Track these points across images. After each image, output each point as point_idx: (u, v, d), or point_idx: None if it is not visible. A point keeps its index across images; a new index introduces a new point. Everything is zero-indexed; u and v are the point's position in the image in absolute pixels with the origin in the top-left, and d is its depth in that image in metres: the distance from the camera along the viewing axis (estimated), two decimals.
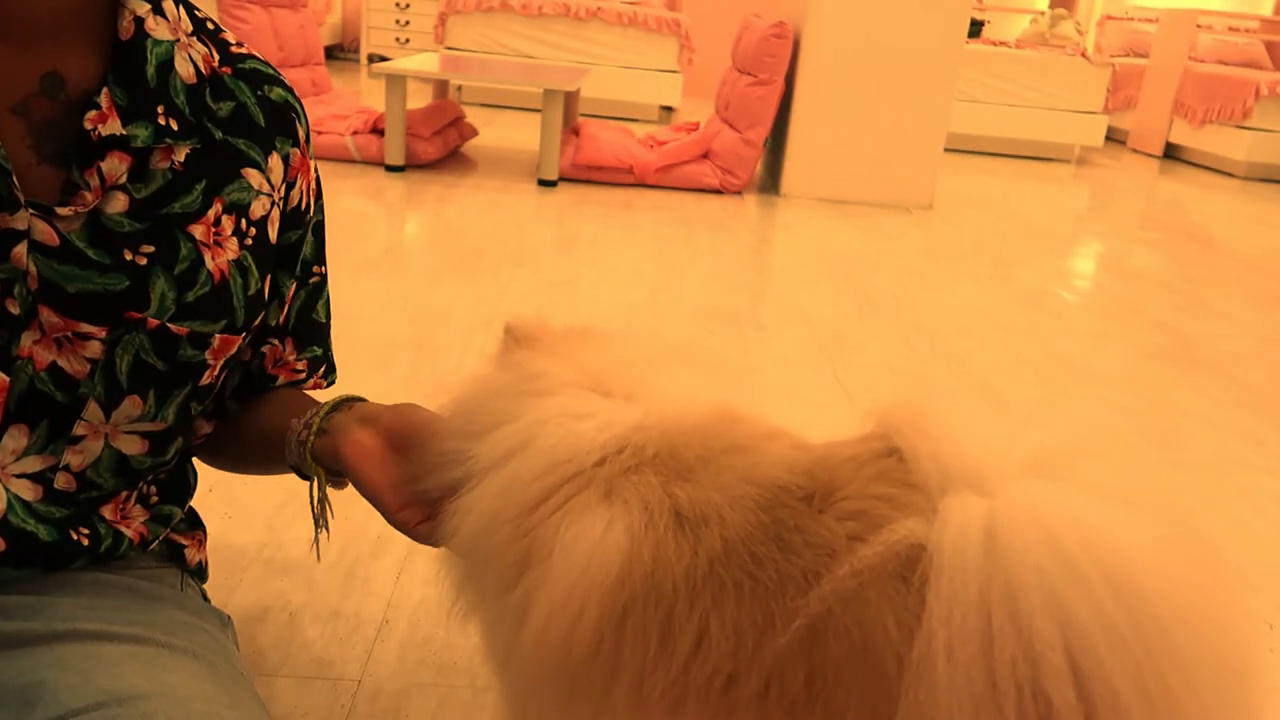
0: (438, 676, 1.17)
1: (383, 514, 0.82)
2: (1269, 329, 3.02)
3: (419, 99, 4.48)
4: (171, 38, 0.78)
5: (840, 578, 0.61)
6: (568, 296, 2.66)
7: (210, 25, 0.84)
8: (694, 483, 0.68)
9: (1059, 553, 0.55)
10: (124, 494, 0.82)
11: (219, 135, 0.80)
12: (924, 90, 4.22)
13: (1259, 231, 4.68)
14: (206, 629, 0.85)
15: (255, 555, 1.37)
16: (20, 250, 0.70)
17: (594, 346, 0.78)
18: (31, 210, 0.71)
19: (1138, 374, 2.51)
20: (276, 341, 0.95)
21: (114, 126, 0.73)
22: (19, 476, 0.75)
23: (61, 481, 0.77)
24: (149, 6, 0.76)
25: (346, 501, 1.52)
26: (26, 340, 0.73)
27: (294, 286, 0.94)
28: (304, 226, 0.92)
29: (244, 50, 0.86)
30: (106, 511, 0.81)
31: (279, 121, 0.86)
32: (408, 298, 2.50)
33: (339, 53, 8.12)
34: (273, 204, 0.86)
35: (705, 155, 4.26)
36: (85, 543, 0.78)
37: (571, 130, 4.49)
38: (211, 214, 0.79)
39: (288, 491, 1.52)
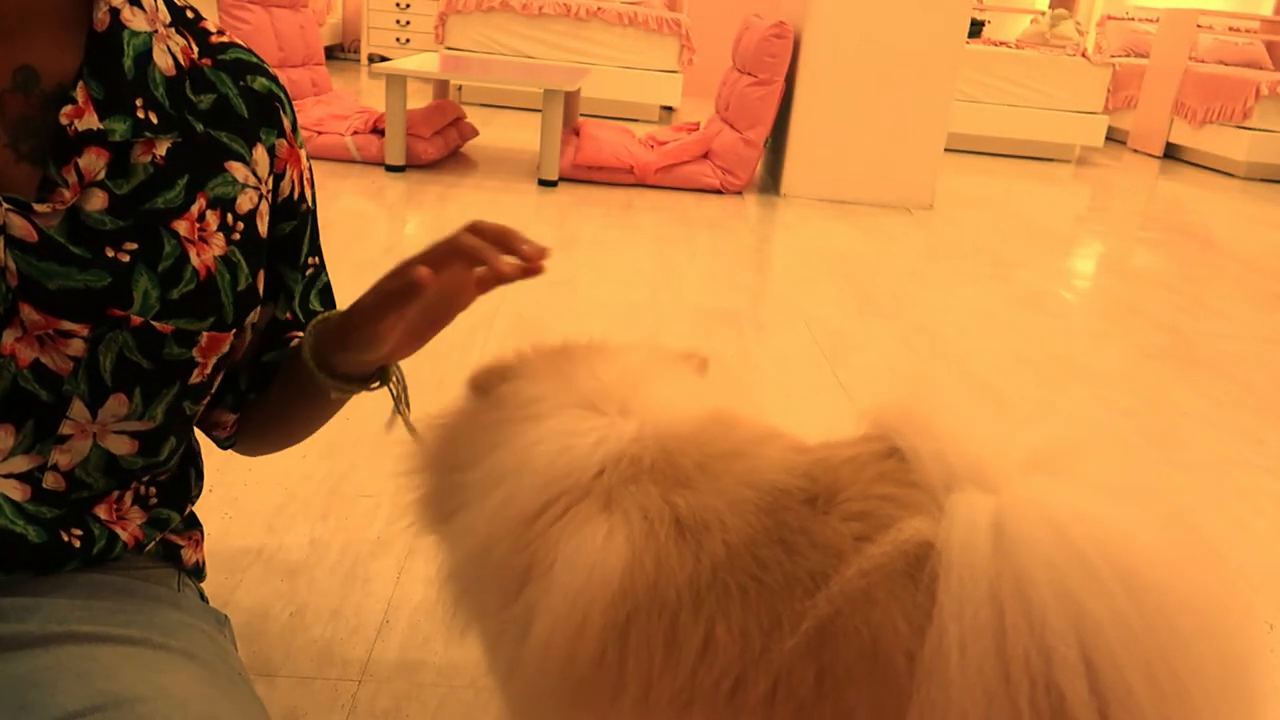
0: (438, 677, 1.17)
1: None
2: (1269, 329, 3.02)
3: (419, 99, 4.48)
4: (149, 29, 0.76)
5: (848, 578, 0.62)
6: (568, 296, 2.66)
7: (189, 14, 0.82)
8: (693, 490, 0.68)
9: (1069, 547, 0.55)
10: (117, 494, 0.81)
11: (200, 128, 0.79)
12: (924, 90, 4.22)
13: (1259, 231, 4.68)
14: (204, 629, 0.84)
15: (255, 556, 1.37)
16: None
17: (580, 364, 0.77)
18: (8, 206, 0.69)
19: (1138, 374, 2.51)
20: (300, 334, 0.94)
21: (91, 121, 0.72)
22: (6, 476, 0.74)
23: (50, 481, 0.76)
24: None
25: (347, 501, 1.52)
26: (8, 338, 0.72)
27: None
28: (298, 218, 0.90)
29: (225, 40, 0.84)
30: (101, 511, 0.80)
31: (263, 112, 0.84)
32: None
33: (339, 53, 8.12)
34: (260, 197, 0.84)
35: (705, 155, 4.26)
36: (77, 544, 0.78)
37: (572, 130, 4.49)
38: (195, 209, 0.78)
39: (288, 492, 1.53)
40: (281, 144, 0.86)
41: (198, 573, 0.96)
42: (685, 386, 0.77)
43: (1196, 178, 6.14)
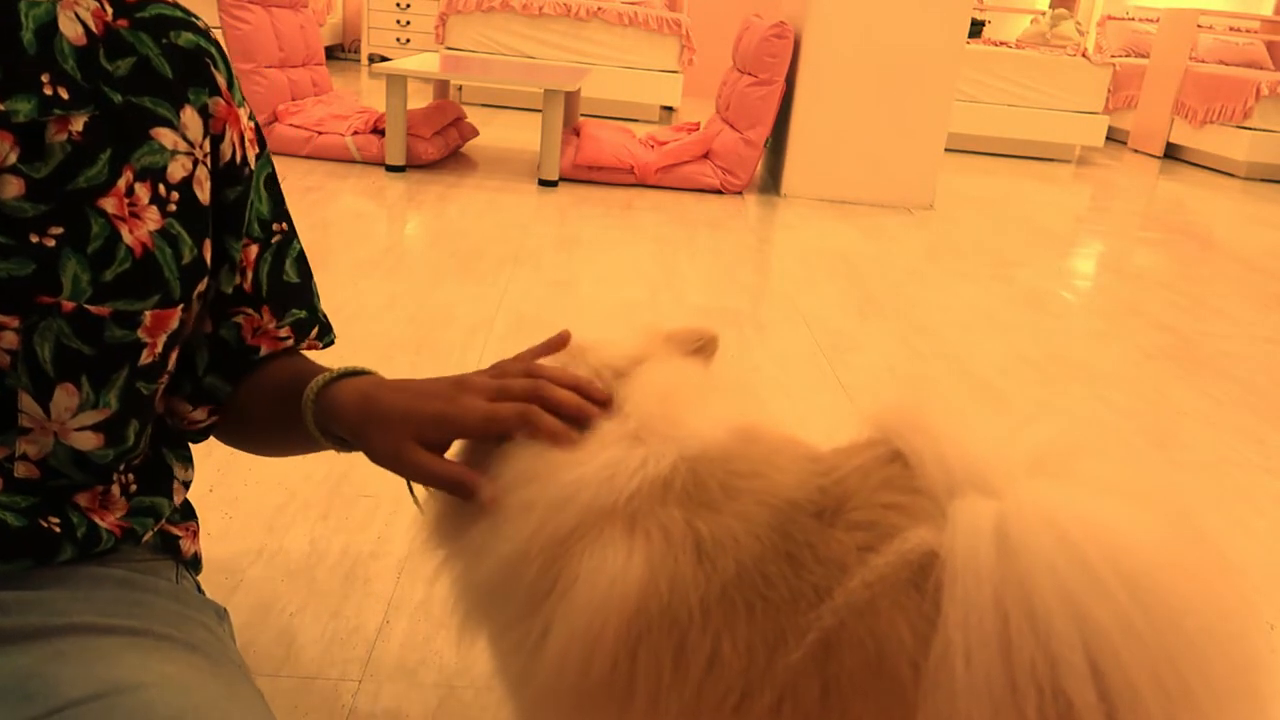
0: (438, 677, 1.17)
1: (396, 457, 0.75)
2: (1270, 329, 3.02)
3: (419, 99, 4.48)
4: None
5: (852, 589, 0.62)
6: (568, 296, 2.66)
7: None
8: (715, 511, 0.68)
9: (1073, 552, 0.55)
10: (100, 489, 0.80)
11: (119, 99, 0.73)
12: (925, 90, 4.21)
13: (1260, 231, 4.68)
14: (203, 621, 0.84)
15: (256, 555, 1.37)
16: None
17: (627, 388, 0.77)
18: None
19: (1138, 374, 2.51)
20: (250, 310, 0.89)
21: None
22: None
23: (22, 470, 0.74)
24: None
25: (347, 501, 1.52)
26: None
27: (255, 249, 0.87)
28: (243, 182, 0.84)
29: None
30: (82, 500, 0.79)
31: (190, 70, 0.78)
32: (408, 298, 2.50)
33: (340, 53, 8.12)
34: (195, 163, 0.78)
35: (706, 155, 4.26)
36: (57, 530, 0.76)
37: (572, 130, 4.49)
38: (122, 184, 0.73)
39: (288, 492, 1.53)
40: (216, 103, 0.80)
41: (195, 564, 0.95)
42: (715, 405, 0.77)
43: (1197, 178, 6.14)
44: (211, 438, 0.97)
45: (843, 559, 0.63)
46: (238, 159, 0.83)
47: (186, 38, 0.79)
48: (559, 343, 0.83)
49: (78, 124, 0.71)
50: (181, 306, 0.79)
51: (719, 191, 4.23)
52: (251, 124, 0.86)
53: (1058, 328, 2.84)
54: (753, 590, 0.65)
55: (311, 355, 0.98)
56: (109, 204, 0.73)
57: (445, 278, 2.71)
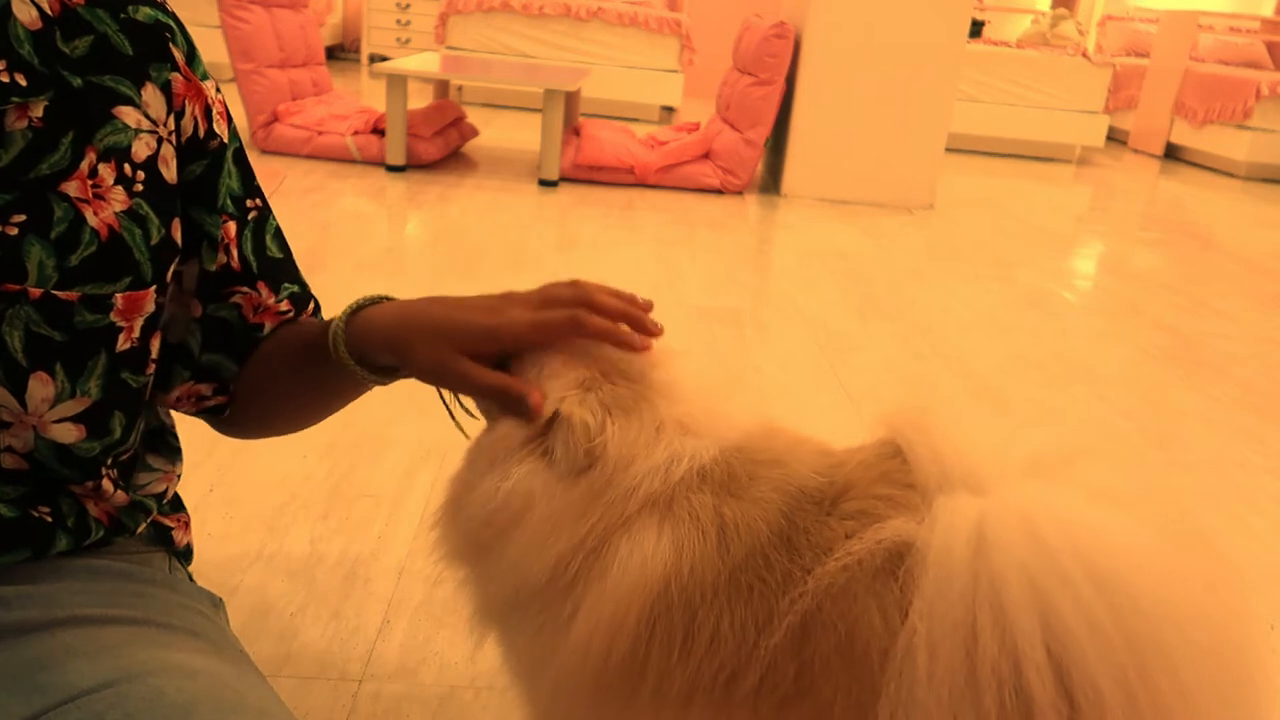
0: (439, 677, 1.17)
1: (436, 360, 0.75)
2: (1270, 329, 3.02)
3: (420, 99, 4.48)
4: None
5: (827, 572, 0.63)
6: None
7: None
8: (739, 498, 0.70)
9: (1043, 551, 0.56)
10: (91, 484, 0.79)
11: (78, 82, 0.72)
12: (925, 90, 4.22)
13: (1260, 232, 4.68)
14: (201, 610, 0.84)
15: (256, 556, 1.37)
16: None
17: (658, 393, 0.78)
18: None
19: (1139, 374, 2.50)
20: (247, 289, 0.88)
21: None
22: None
23: (9, 462, 0.74)
24: None
25: (347, 501, 1.52)
26: None
27: (235, 226, 0.86)
28: (208, 155, 0.82)
29: None
30: (76, 490, 0.78)
31: (150, 47, 0.76)
32: (409, 298, 2.49)
33: (340, 53, 8.12)
34: (160, 141, 0.77)
35: (706, 155, 4.26)
36: (48, 519, 0.75)
37: (572, 130, 4.49)
38: (85, 166, 0.72)
39: (288, 492, 1.53)
40: (176, 79, 0.78)
41: (187, 555, 0.95)
42: (741, 400, 0.80)
43: (1197, 178, 6.14)
44: (222, 435, 0.96)
45: (831, 545, 0.65)
46: (200, 132, 0.81)
47: (145, 12, 0.77)
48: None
49: (37, 110, 0.70)
50: (155, 288, 0.77)
51: (719, 191, 4.23)
52: (219, 96, 0.84)
53: (1058, 328, 2.84)
54: (754, 572, 0.67)
55: None
56: (71, 188, 0.71)
57: (446, 278, 2.71)
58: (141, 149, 0.76)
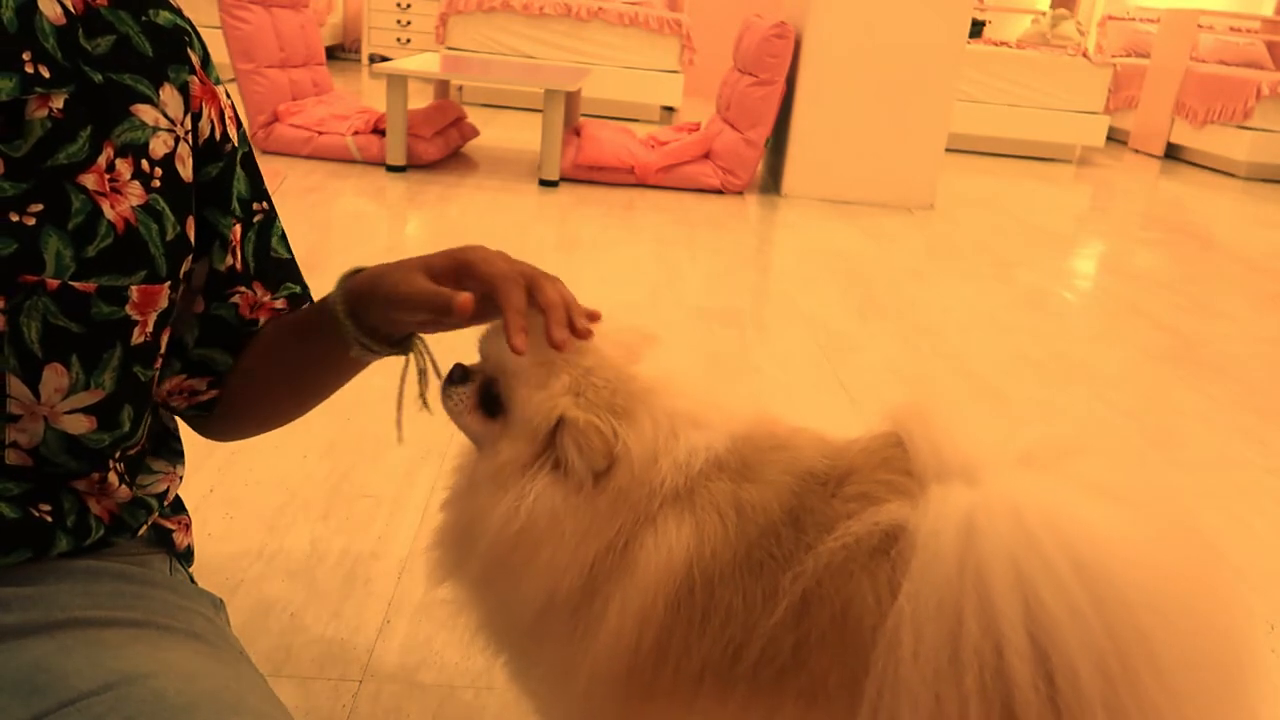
0: (439, 677, 1.17)
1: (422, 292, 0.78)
2: (1270, 329, 3.02)
3: (420, 99, 4.48)
4: None
5: (825, 550, 0.66)
6: None
7: None
8: (753, 481, 0.73)
9: (1029, 538, 0.57)
10: (97, 476, 0.79)
11: (99, 78, 0.74)
12: (925, 90, 4.21)
13: (1260, 232, 4.68)
14: (201, 611, 0.84)
15: (256, 556, 1.37)
16: None
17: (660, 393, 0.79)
18: None
19: (1139, 374, 2.51)
20: (245, 289, 0.89)
21: None
22: None
23: (14, 458, 0.74)
24: None
25: (347, 501, 1.52)
26: None
27: (240, 228, 0.88)
28: (224, 159, 0.85)
29: None
30: (80, 485, 0.78)
31: (169, 49, 0.79)
32: None
33: (340, 53, 8.12)
34: (177, 140, 0.79)
35: (706, 155, 4.26)
36: (49, 519, 0.76)
37: (573, 130, 4.49)
38: (103, 160, 0.73)
39: (288, 492, 1.53)
40: (194, 81, 0.80)
41: (188, 557, 0.95)
42: (734, 393, 0.83)
43: (1197, 178, 6.13)
44: (214, 441, 0.97)
45: (833, 524, 0.68)
46: (217, 135, 0.83)
47: (165, 16, 0.79)
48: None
49: (58, 102, 0.71)
50: (169, 285, 0.79)
51: (720, 191, 4.23)
52: (228, 101, 0.86)
53: (1058, 328, 2.84)
54: (766, 549, 0.69)
55: None
56: (89, 180, 0.73)
57: None
58: (159, 146, 0.77)
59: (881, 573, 0.63)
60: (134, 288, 0.75)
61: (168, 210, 0.78)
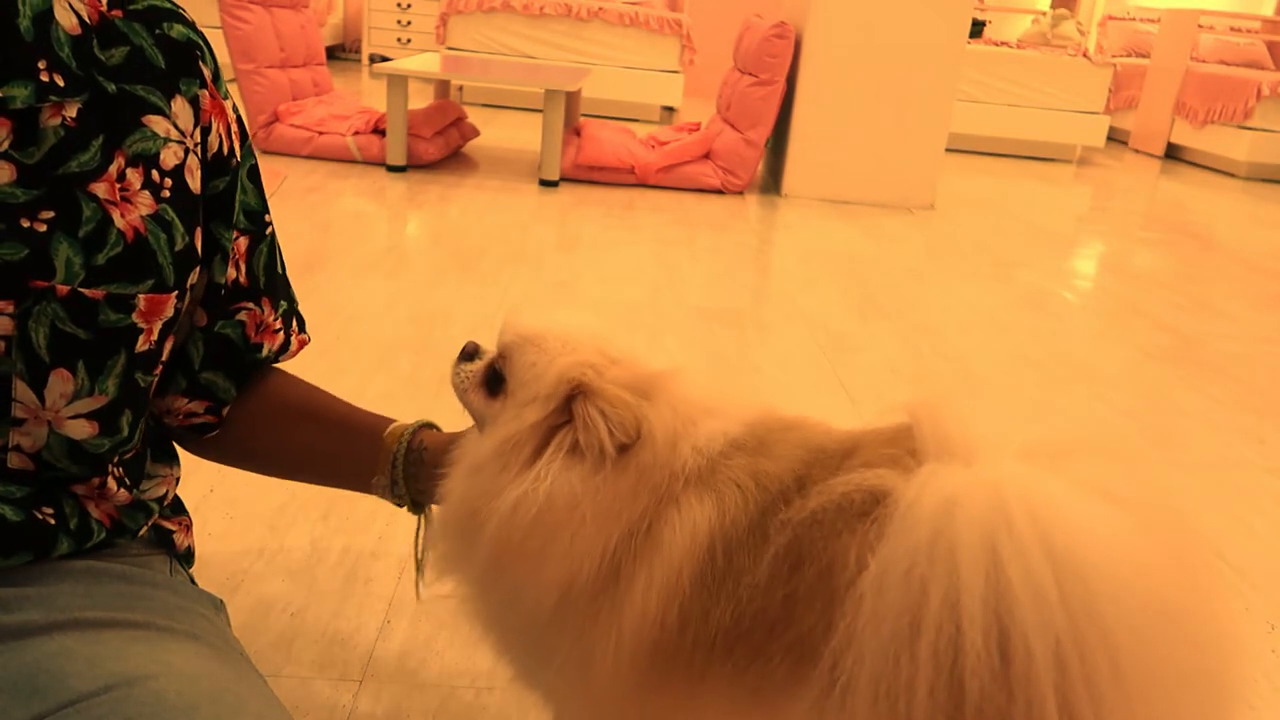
0: (439, 677, 1.17)
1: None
2: (1270, 329, 3.02)
3: (420, 99, 4.48)
4: None
5: (812, 505, 0.68)
6: (569, 296, 2.66)
7: None
8: (767, 456, 0.74)
9: (1007, 519, 0.59)
10: (97, 480, 0.80)
11: (112, 88, 0.75)
12: (925, 90, 4.21)
13: (1260, 232, 4.68)
14: (202, 613, 0.85)
15: (257, 556, 1.37)
16: None
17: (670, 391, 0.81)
18: None
19: (1139, 374, 2.50)
20: (252, 305, 0.91)
21: None
22: None
23: (16, 461, 0.74)
24: None
25: (348, 501, 1.52)
26: None
27: (247, 241, 0.90)
28: (230, 173, 0.86)
29: None
30: (80, 489, 0.79)
31: (181, 62, 0.80)
32: (409, 298, 2.50)
33: (340, 53, 8.12)
34: (187, 152, 0.80)
35: (707, 155, 4.26)
36: (51, 522, 0.76)
37: (573, 130, 4.49)
38: (114, 169, 0.74)
39: (288, 492, 1.53)
40: (204, 95, 0.82)
41: (188, 558, 0.96)
42: (741, 387, 0.85)
43: (1198, 178, 6.13)
44: (194, 455, 0.99)
45: (836, 490, 0.70)
46: (225, 150, 0.85)
47: (178, 30, 0.80)
48: None
49: (71, 110, 0.72)
50: (176, 294, 0.80)
51: (720, 192, 4.23)
52: (234, 115, 0.87)
53: (1058, 328, 2.84)
54: (776, 514, 0.71)
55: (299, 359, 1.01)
56: (100, 189, 0.74)
57: (446, 278, 2.71)
58: (169, 157, 0.78)
59: (867, 534, 0.65)
60: (141, 296, 0.76)
61: (177, 221, 0.79)
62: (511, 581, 0.77)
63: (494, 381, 0.81)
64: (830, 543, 0.66)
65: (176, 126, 0.79)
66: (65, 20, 0.73)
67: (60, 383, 0.73)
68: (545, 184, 4.02)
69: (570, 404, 0.75)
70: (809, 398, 2.13)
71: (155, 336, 0.79)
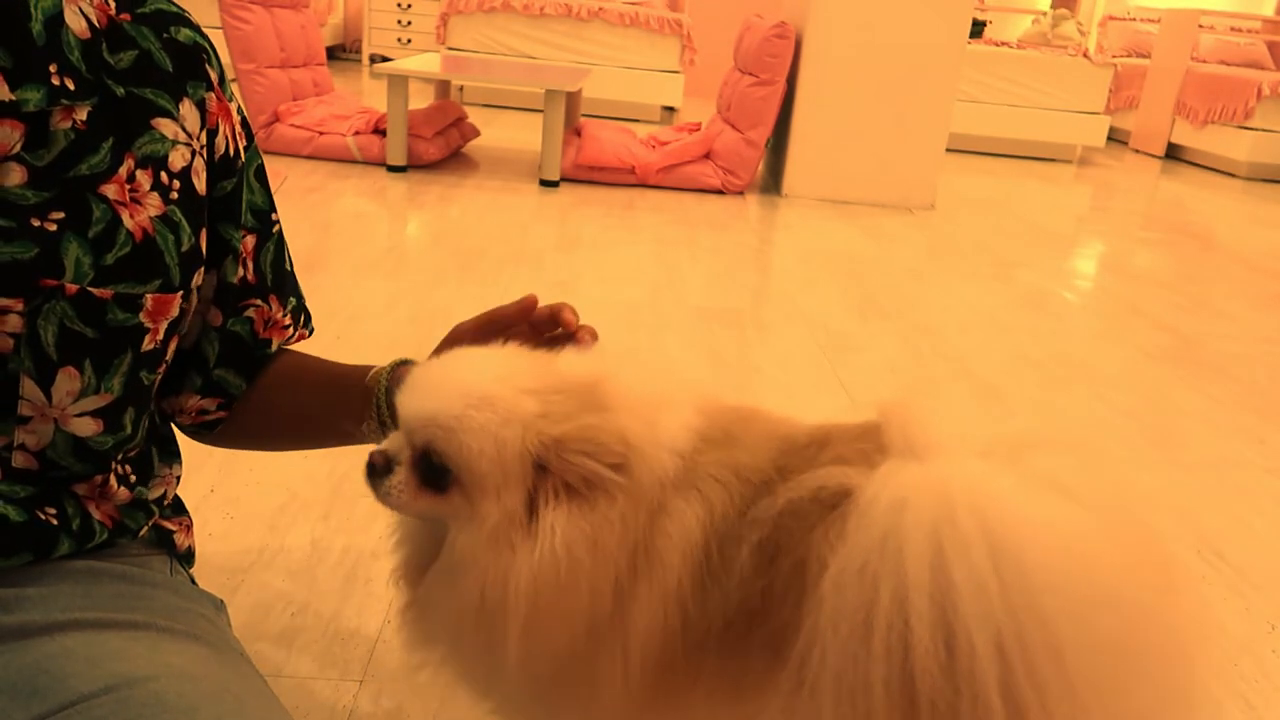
0: (439, 677, 1.17)
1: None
2: (1270, 329, 3.02)
3: (421, 99, 4.48)
4: None
5: (782, 500, 0.68)
6: (569, 296, 2.65)
7: None
8: (738, 447, 0.74)
9: (950, 515, 0.59)
10: (100, 478, 0.80)
11: (121, 91, 0.76)
12: (926, 90, 4.21)
13: (1261, 232, 4.68)
14: (202, 613, 0.85)
15: (257, 556, 1.37)
16: None
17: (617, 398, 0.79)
18: None
19: (1139, 374, 2.51)
20: (260, 302, 0.92)
21: (1, 92, 0.68)
22: None
23: (20, 460, 0.75)
24: None
25: (348, 501, 1.52)
26: None
27: (255, 239, 0.91)
28: (236, 174, 0.87)
29: None
30: (80, 490, 0.79)
31: (188, 65, 0.81)
32: (410, 298, 2.50)
33: (341, 53, 8.12)
34: (193, 154, 0.81)
35: (707, 156, 4.26)
36: (54, 522, 0.76)
37: (573, 131, 4.49)
38: (123, 171, 0.75)
39: (289, 492, 1.53)
40: (211, 98, 0.83)
41: (189, 558, 0.96)
42: (675, 379, 0.84)
43: (1198, 178, 6.13)
44: (204, 445, 0.99)
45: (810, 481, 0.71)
46: (230, 152, 0.86)
47: (185, 33, 0.81)
48: (529, 304, 0.89)
49: (81, 113, 0.73)
50: (181, 294, 0.81)
51: (720, 192, 4.23)
52: (239, 117, 0.88)
53: (1059, 328, 2.84)
54: (758, 504, 0.71)
55: (301, 347, 1.02)
56: (110, 190, 0.74)
57: (446, 278, 2.71)
58: (177, 159, 0.79)
59: (834, 529, 0.65)
60: (149, 296, 0.77)
61: (184, 222, 0.80)
62: (532, 645, 0.72)
63: (437, 477, 0.72)
64: (805, 536, 0.67)
65: (184, 129, 0.80)
66: (75, 24, 0.74)
67: (68, 380, 0.74)
68: (545, 184, 4.02)
69: (544, 468, 0.70)
70: (809, 398, 2.13)
71: (161, 336, 0.80)
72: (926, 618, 0.58)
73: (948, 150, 4.39)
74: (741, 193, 4.27)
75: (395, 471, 0.73)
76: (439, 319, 2.36)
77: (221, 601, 0.92)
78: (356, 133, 4.03)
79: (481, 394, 0.70)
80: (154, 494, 0.89)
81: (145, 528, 0.86)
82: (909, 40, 4.13)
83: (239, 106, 0.89)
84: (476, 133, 4.58)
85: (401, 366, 0.89)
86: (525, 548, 0.69)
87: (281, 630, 1.22)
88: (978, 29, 7.04)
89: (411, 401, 0.72)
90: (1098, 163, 6.42)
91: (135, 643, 0.74)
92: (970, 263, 3.52)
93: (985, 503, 0.60)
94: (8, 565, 0.74)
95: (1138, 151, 7.11)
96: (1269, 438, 2.16)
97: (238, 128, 0.87)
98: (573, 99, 4.48)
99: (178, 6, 0.83)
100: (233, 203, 0.87)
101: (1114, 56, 7.29)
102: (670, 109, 6.51)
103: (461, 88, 6.08)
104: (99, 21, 0.76)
